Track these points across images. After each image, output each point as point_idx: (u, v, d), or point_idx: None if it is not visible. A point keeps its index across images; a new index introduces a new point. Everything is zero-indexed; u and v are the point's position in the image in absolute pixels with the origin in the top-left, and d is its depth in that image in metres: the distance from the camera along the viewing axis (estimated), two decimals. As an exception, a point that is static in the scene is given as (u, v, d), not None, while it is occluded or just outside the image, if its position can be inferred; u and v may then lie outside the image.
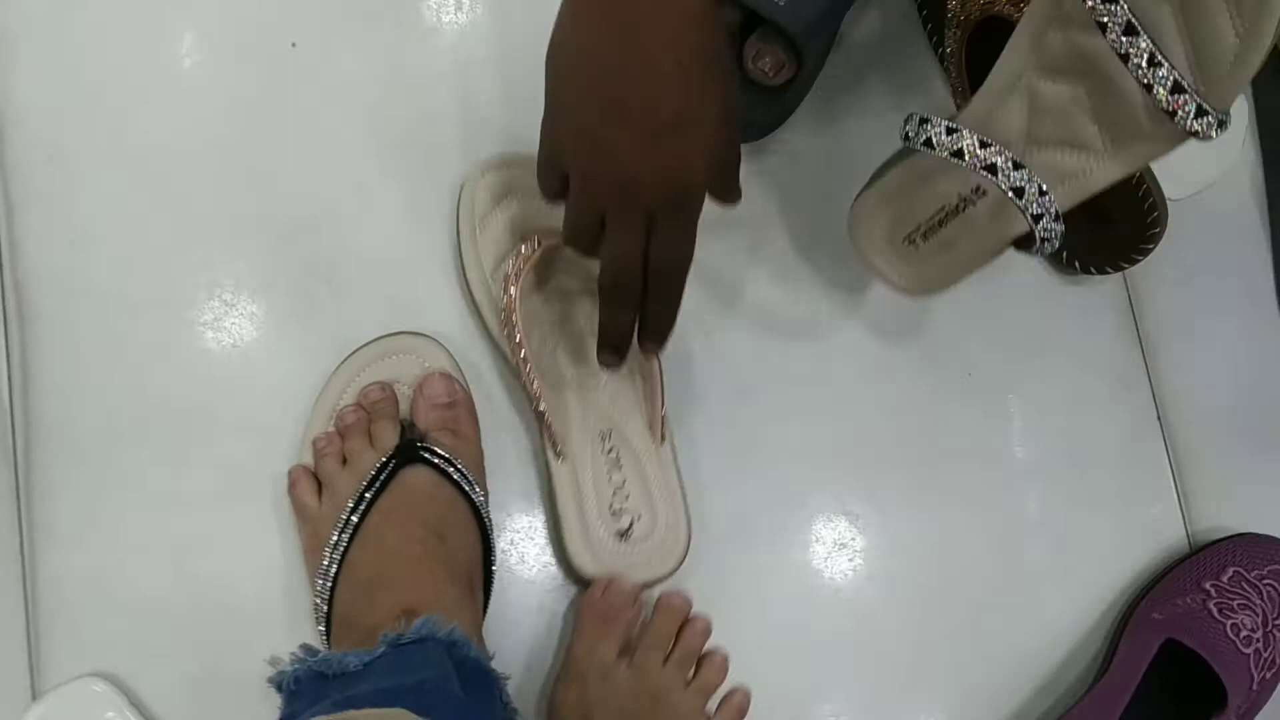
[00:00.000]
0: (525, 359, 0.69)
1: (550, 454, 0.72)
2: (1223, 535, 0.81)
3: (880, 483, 0.79)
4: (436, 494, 0.68)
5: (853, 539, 0.78)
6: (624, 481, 0.73)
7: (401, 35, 0.78)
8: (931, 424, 0.81)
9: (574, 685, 0.69)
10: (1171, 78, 0.54)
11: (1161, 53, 0.54)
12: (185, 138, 0.75)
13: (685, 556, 0.73)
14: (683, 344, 0.77)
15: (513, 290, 0.69)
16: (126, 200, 0.74)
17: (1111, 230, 0.77)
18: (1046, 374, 0.83)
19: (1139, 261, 0.77)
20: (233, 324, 0.73)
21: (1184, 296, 0.85)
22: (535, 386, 0.70)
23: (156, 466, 0.72)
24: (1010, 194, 0.62)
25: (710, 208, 0.60)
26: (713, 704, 0.71)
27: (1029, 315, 0.83)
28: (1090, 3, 0.55)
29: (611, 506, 0.72)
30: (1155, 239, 0.76)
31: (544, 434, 0.72)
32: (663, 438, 0.73)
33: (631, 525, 0.72)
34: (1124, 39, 0.55)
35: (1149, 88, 0.55)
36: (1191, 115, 0.55)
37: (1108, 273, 0.80)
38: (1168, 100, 0.55)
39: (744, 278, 0.80)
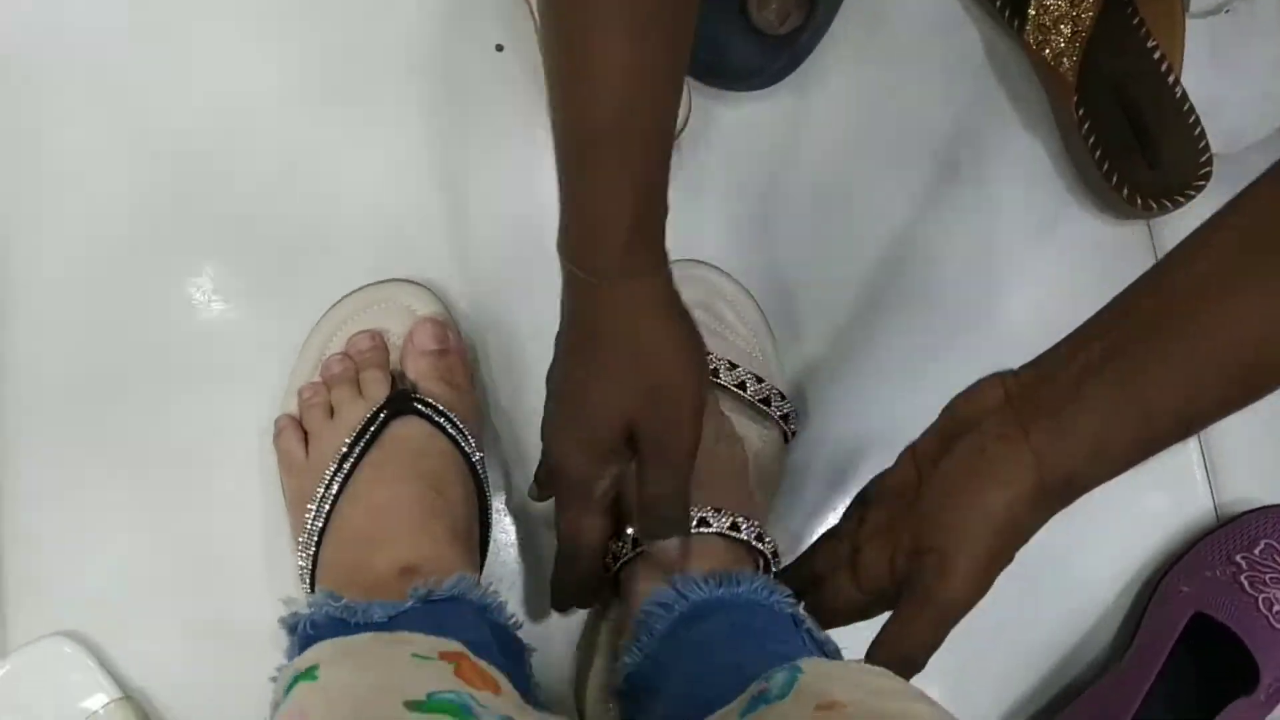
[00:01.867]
0: None
1: (538, 19, 0.68)
2: (1250, 507, 0.77)
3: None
4: (430, 447, 0.64)
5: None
6: None
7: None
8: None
9: None
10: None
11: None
12: (169, 78, 0.72)
13: (687, 116, 0.70)
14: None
15: None
16: (103, 138, 0.70)
17: (1162, 166, 0.77)
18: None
19: (1187, 201, 0.76)
20: (213, 270, 0.70)
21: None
22: None
23: (131, 416, 0.68)
24: None
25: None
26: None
27: (1063, 288, 0.80)
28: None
29: None
30: (1206, 178, 0.76)
31: (532, 9, 0.71)
32: None
33: None
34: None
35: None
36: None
37: (1154, 209, 0.77)
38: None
39: (758, 238, 0.77)
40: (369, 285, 0.69)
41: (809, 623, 0.57)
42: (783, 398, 0.69)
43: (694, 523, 0.59)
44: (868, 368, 0.76)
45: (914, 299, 0.77)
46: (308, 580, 0.63)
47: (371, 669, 0.44)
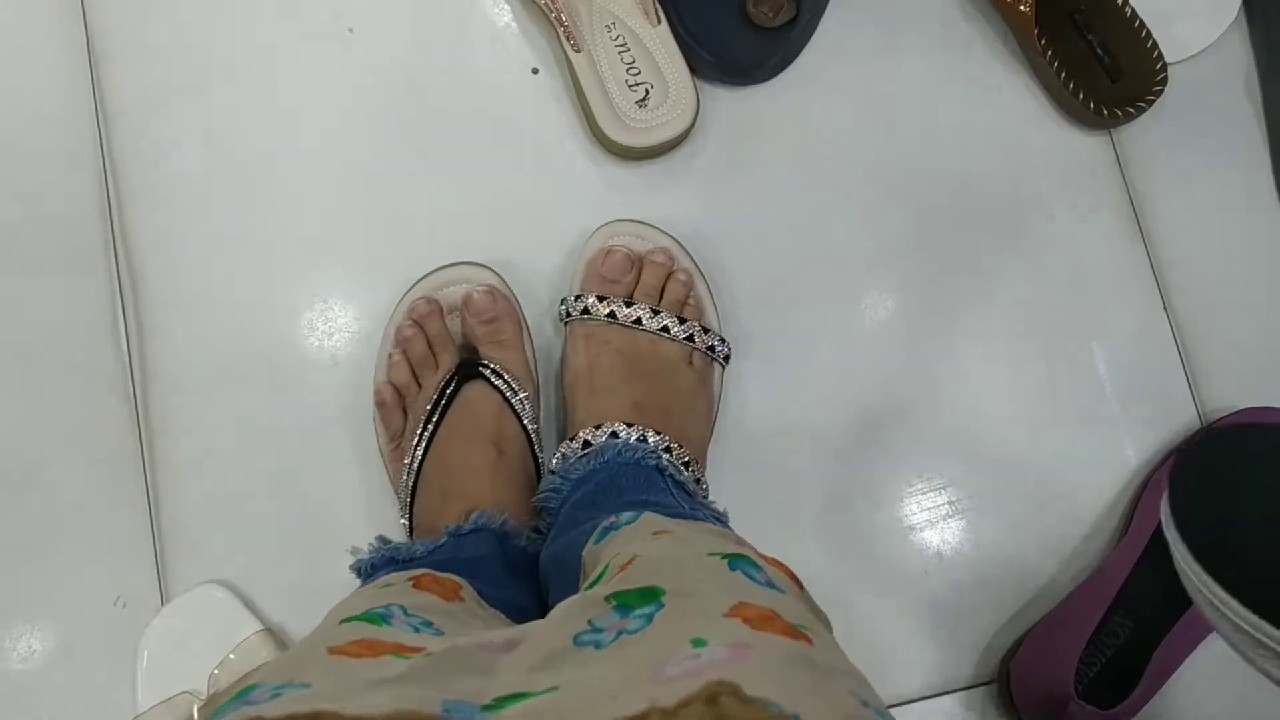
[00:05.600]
0: None
1: (569, 50, 0.83)
2: (1230, 412, 0.85)
3: (911, 379, 0.86)
4: (491, 406, 0.77)
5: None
6: (633, 60, 0.84)
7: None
8: (962, 318, 0.88)
9: (580, 340, 0.79)
10: None
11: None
12: (263, 111, 0.86)
13: (697, 112, 0.84)
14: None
15: None
16: (217, 180, 0.85)
17: (1123, 78, 0.88)
18: (1054, 271, 0.89)
19: (1149, 106, 0.86)
20: (316, 279, 0.84)
21: (1183, 185, 0.90)
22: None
23: (256, 400, 0.82)
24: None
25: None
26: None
27: (1040, 218, 0.89)
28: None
29: (628, 81, 0.84)
30: (1162, 84, 0.86)
31: (561, 36, 0.83)
32: (658, 19, 0.84)
33: (647, 94, 0.84)
34: None
35: None
36: None
37: (1119, 116, 0.86)
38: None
39: (756, 224, 0.88)
40: (438, 269, 0.81)
41: (671, 470, 0.70)
42: (706, 331, 0.80)
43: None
44: (861, 340, 0.87)
45: (906, 239, 0.88)
46: (408, 526, 0.76)
47: (350, 600, 0.57)
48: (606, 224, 0.83)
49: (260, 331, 0.83)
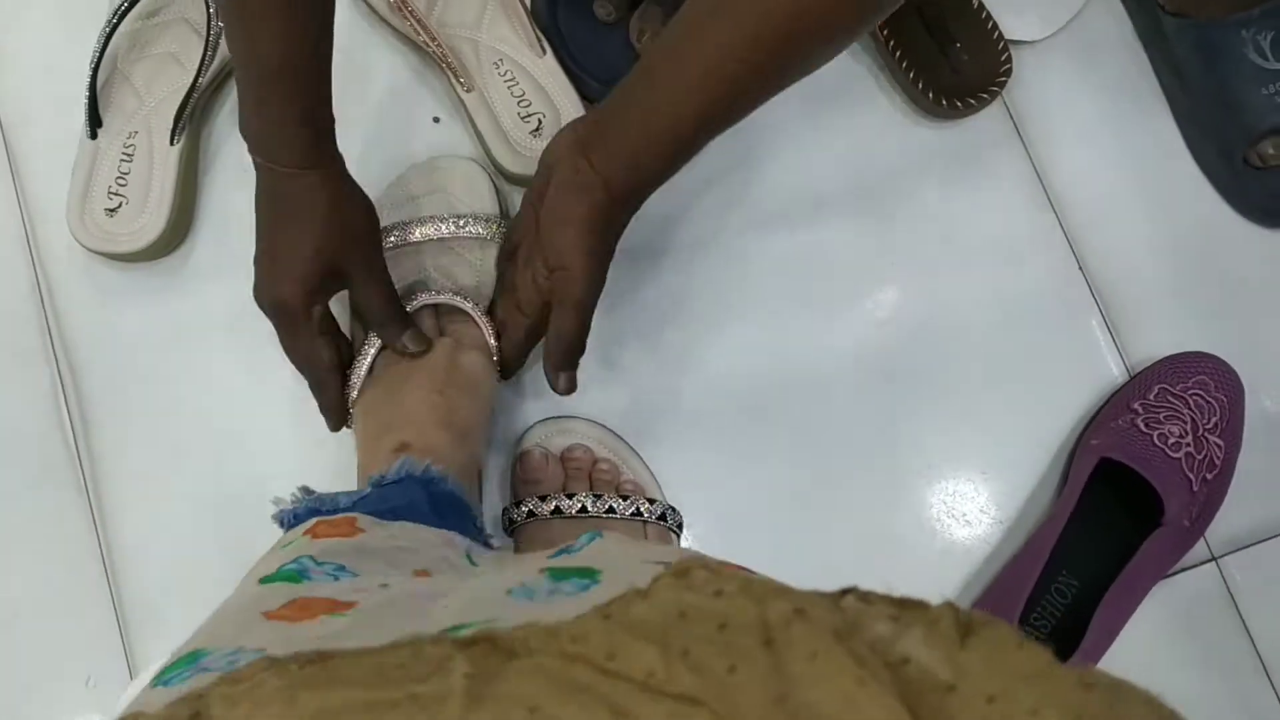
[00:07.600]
0: (421, 21, 0.85)
1: (460, 92, 0.86)
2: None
3: (819, 366, 0.88)
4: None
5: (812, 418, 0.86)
6: (524, 93, 0.87)
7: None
8: (878, 300, 0.89)
9: (533, 543, 0.79)
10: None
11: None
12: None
13: None
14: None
15: None
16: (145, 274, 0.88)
17: (965, 71, 0.89)
18: (968, 251, 0.90)
19: (992, 98, 0.87)
20: (248, 352, 0.86)
21: (1085, 145, 0.91)
22: (433, 41, 0.85)
23: (198, 476, 0.85)
24: None
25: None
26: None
27: (946, 204, 0.90)
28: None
29: (520, 114, 0.87)
30: (1006, 74, 0.87)
31: (451, 78, 0.86)
32: (543, 50, 0.87)
33: (540, 124, 0.86)
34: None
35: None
36: None
37: (959, 107, 0.87)
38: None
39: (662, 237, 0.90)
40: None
41: None
42: (652, 502, 0.80)
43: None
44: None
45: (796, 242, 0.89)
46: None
47: (260, 564, 0.59)
48: (528, 429, 0.84)
49: (199, 411, 0.86)
